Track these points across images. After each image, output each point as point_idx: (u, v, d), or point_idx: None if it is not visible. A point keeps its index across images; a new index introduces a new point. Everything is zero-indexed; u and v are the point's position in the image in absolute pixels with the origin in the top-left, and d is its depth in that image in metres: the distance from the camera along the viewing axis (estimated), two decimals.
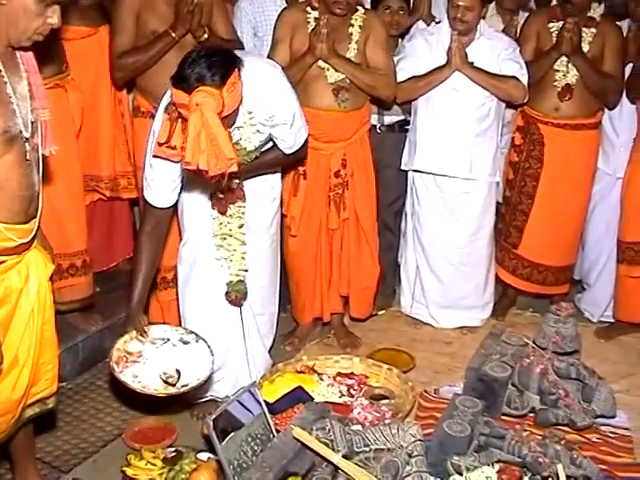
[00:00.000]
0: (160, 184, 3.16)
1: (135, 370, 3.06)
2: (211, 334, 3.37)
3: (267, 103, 3.11)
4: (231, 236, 3.42)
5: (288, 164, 3.68)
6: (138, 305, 3.22)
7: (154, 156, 3.02)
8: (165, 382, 3.03)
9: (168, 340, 3.19)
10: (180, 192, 3.29)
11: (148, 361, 3.11)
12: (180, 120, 2.84)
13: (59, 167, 3.33)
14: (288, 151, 3.37)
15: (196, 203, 3.40)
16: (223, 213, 3.39)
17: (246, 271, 3.48)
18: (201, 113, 2.71)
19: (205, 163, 2.72)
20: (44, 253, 2.73)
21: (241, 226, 3.43)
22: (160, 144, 2.90)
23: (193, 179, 3.18)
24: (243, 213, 3.42)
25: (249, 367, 3.64)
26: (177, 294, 3.61)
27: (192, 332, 3.25)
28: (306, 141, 3.45)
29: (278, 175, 3.63)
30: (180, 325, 3.43)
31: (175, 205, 3.31)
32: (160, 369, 3.07)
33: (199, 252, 3.46)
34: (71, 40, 3.84)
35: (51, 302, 2.77)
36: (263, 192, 3.53)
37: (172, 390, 3.03)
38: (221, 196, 3.34)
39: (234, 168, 2.81)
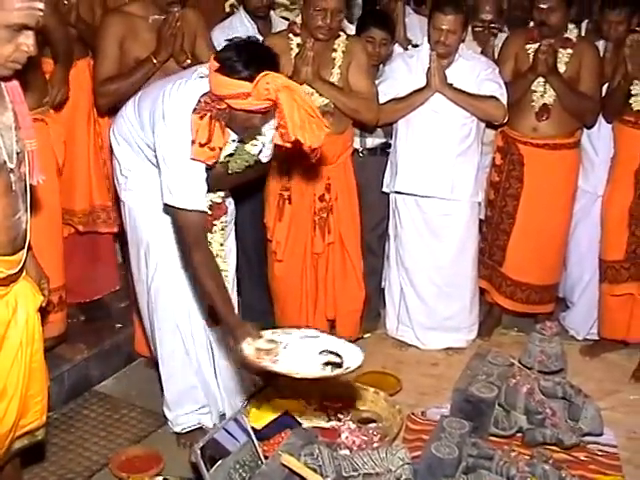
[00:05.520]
0: (199, 186, 3.01)
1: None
2: (189, 369, 3.46)
3: None
4: (216, 255, 3.40)
5: (257, 177, 3.62)
6: (236, 315, 3.10)
7: (193, 159, 2.91)
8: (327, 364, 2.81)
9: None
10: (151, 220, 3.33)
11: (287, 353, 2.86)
12: (218, 121, 2.86)
13: (38, 202, 3.20)
14: (265, 159, 3.37)
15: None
16: (209, 231, 3.36)
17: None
18: (291, 91, 2.72)
19: (305, 137, 2.74)
20: (32, 284, 2.71)
21: (222, 244, 3.44)
22: (202, 145, 2.86)
23: None
24: (223, 230, 3.43)
25: (221, 395, 3.63)
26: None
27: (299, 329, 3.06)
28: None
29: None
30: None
31: None
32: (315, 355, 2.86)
33: (167, 278, 3.42)
34: (48, 72, 3.77)
35: (40, 333, 2.72)
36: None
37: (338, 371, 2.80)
38: (209, 212, 3.30)
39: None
